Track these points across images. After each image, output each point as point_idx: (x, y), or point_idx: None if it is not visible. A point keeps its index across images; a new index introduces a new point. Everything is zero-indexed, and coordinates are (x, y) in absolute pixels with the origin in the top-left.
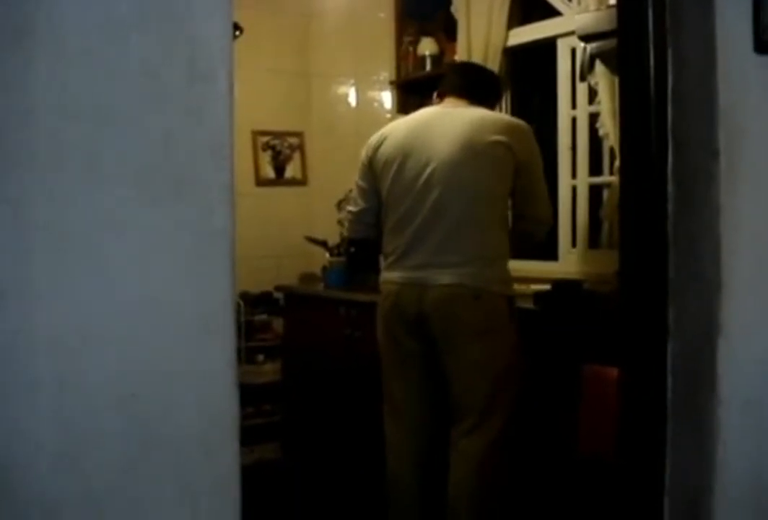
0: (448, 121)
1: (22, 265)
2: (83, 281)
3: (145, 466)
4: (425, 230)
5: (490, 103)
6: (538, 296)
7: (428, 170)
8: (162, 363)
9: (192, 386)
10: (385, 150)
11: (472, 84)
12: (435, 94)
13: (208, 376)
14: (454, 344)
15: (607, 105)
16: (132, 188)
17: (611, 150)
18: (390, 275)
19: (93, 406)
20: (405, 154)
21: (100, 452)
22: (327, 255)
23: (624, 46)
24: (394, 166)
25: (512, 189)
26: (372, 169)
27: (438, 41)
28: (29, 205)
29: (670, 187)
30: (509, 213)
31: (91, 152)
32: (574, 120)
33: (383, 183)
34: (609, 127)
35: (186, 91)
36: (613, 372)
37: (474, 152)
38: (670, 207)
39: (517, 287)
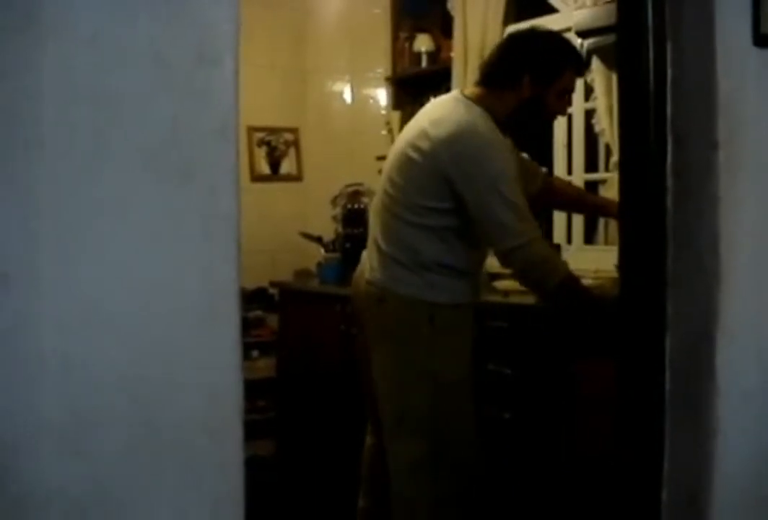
0: (414, 121)
1: (28, 247)
2: (90, 263)
3: (150, 448)
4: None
5: (514, 84)
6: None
7: (383, 176)
8: (167, 345)
9: (197, 369)
10: None
11: (492, 64)
12: None
13: (213, 359)
14: (371, 343)
15: (603, 101)
16: (138, 172)
17: (607, 146)
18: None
19: (98, 387)
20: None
21: (104, 433)
22: (322, 251)
23: (623, 39)
24: None
25: (458, 202)
26: None
27: (434, 38)
28: (36, 187)
29: (669, 180)
30: (453, 225)
31: (98, 135)
32: (569, 116)
33: None
34: (605, 124)
35: (193, 75)
36: (608, 368)
37: (401, 156)
38: (669, 200)
39: (508, 283)
